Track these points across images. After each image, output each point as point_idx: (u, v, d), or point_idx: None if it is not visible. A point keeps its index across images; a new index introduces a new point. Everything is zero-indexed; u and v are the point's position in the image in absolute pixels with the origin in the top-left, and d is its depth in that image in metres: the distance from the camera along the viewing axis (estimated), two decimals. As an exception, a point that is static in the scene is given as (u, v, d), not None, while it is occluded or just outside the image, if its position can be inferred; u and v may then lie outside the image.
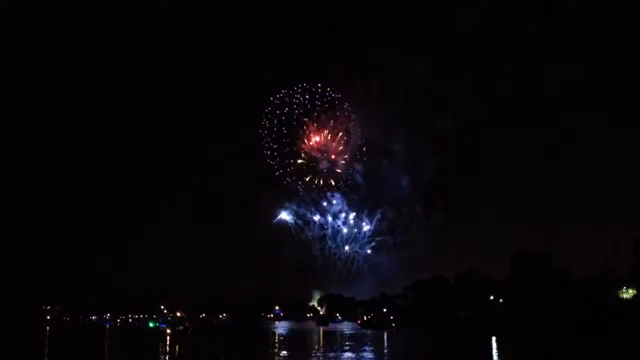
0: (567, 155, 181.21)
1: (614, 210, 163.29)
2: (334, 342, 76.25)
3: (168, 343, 75.15)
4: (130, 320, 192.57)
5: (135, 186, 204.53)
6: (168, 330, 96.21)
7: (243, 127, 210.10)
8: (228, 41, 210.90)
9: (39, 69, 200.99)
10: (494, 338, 76.90)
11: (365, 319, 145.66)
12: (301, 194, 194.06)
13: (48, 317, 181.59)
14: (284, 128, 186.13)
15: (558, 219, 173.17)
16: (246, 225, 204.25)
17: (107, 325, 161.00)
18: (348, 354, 57.56)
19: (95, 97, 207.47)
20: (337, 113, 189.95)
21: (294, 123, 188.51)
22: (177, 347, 69.01)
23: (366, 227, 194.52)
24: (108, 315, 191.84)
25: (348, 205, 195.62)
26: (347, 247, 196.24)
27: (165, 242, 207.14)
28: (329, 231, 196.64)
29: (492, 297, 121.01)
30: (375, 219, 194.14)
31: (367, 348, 65.53)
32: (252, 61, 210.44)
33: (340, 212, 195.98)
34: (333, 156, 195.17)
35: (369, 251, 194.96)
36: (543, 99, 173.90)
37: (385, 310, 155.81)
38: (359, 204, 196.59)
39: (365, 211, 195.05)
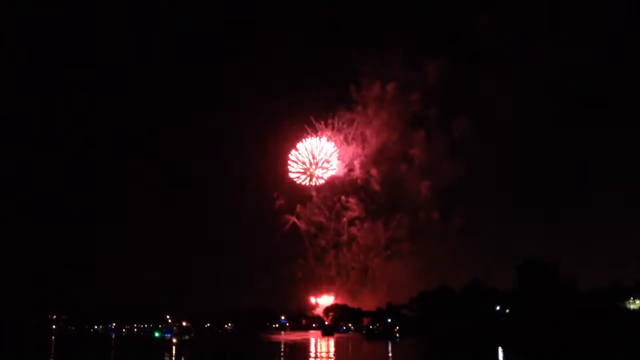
0: (579, 164, 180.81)
1: (623, 221, 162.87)
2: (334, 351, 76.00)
3: (173, 353, 75.05)
4: (135, 329, 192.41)
5: (137, 190, 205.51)
6: (174, 340, 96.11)
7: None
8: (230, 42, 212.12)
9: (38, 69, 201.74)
10: (500, 349, 76.26)
11: (370, 328, 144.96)
12: (316, 199, 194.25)
13: (54, 327, 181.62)
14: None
15: (566, 229, 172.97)
16: (254, 233, 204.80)
17: (113, 335, 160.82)
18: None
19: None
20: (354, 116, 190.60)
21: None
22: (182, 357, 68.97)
23: (382, 234, 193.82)
24: (114, 325, 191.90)
25: (364, 211, 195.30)
26: (361, 254, 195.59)
27: (171, 252, 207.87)
28: (344, 237, 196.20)
29: (498, 308, 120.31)
30: (391, 226, 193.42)
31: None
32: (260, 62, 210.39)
33: (356, 217, 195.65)
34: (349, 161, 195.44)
35: (383, 259, 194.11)
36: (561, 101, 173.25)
37: (390, 320, 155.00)
38: (375, 210, 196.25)
39: (382, 218, 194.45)
